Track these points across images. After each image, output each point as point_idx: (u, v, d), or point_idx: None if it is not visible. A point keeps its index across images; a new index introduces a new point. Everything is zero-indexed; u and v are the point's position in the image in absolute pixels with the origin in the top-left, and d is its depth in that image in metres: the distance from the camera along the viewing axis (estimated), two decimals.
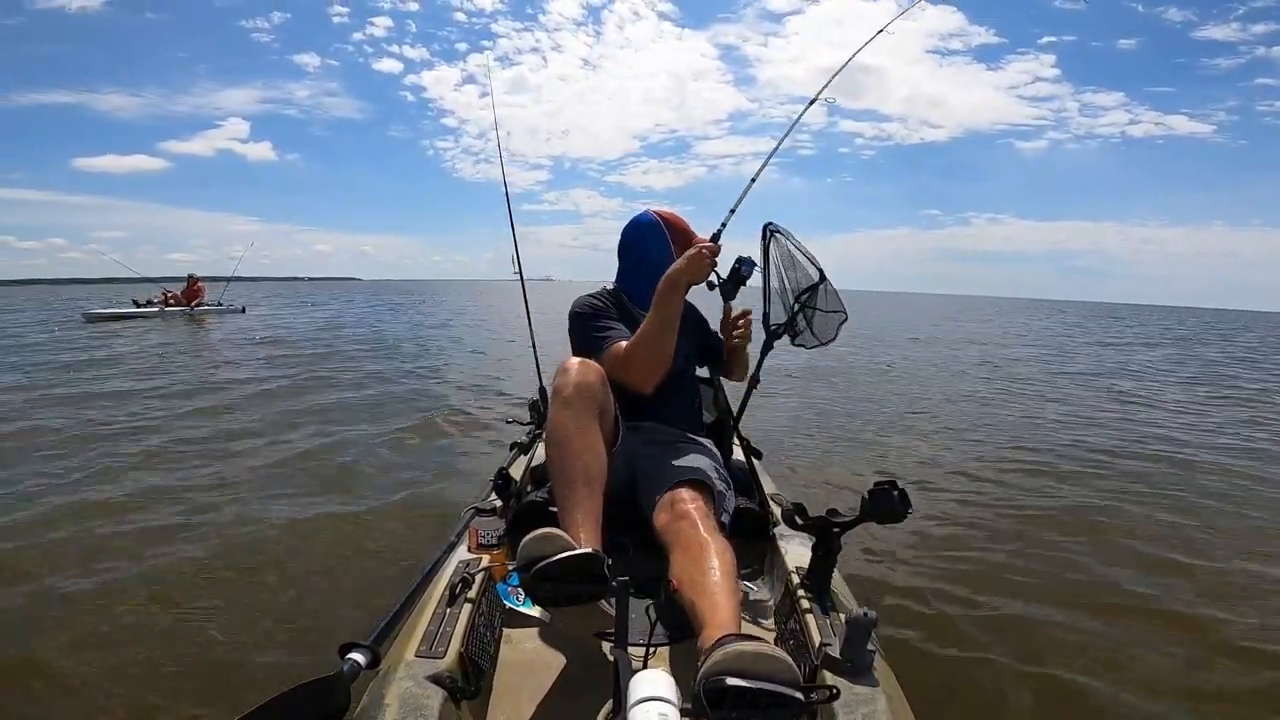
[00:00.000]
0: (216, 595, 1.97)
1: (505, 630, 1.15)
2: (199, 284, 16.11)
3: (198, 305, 15.53)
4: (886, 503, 1.00)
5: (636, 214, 1.60)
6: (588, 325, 1.46)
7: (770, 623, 1.19)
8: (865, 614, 0.88)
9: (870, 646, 0.89)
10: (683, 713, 0.72)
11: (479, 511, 1.36)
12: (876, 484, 1.02)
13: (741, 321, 1.59)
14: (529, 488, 1.59)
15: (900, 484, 1.01)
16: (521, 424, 2.18)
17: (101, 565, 2.15)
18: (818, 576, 1.10)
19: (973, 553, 2.37)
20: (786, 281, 1.54)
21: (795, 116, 1.84)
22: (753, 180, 1.62)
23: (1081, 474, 3.42)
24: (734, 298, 1.52)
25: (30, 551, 2.25)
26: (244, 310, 16.80)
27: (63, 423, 4.20)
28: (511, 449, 1.88)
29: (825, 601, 1.06)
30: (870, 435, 4.31)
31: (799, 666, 0.76)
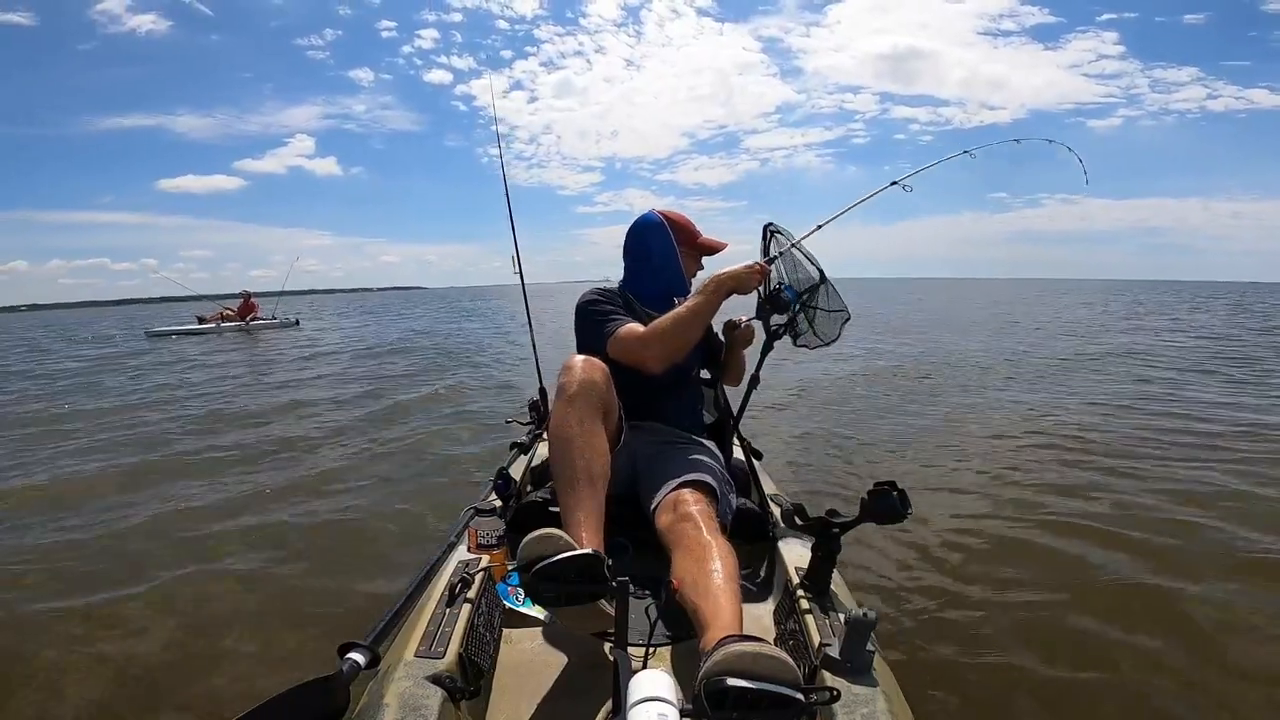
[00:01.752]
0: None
1: (505, 630, 1.15)
2: (253, 300, 16.95)
3: (253, 320, 16.26)
4: (886, 503, 1.00)
5: (642, 214, 1.60)
6: (598, 310, 1.46)
7: (770, 623, 1.19)
8: (865, 614, 0.88)
9: (870, 647, 0.88)
10: (682, 713, 0.72)
11: (479, 511, 1.36)
12: (876, 484, 1.02)
13: (743, 323, 1.62)
14: (529, 488, 1.59)
15: (899, 485, 1.01)
16: (521, 424, 2.18)
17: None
18: (818, 577, 1.10)
19: (974, 553, 2.37)
20: (788, 281, 1.53)
21: (864, 196, 1.89)
22: (818, 228, 1.65)
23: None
24: (768, 318, 1.53)
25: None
26: (298, 323, 17.50)
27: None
28: (512, 449, 1.88)
29: (825, 602, 1.06)
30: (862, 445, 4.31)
31: (799, 667, 0.76)
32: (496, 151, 2.22)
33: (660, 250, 1.55)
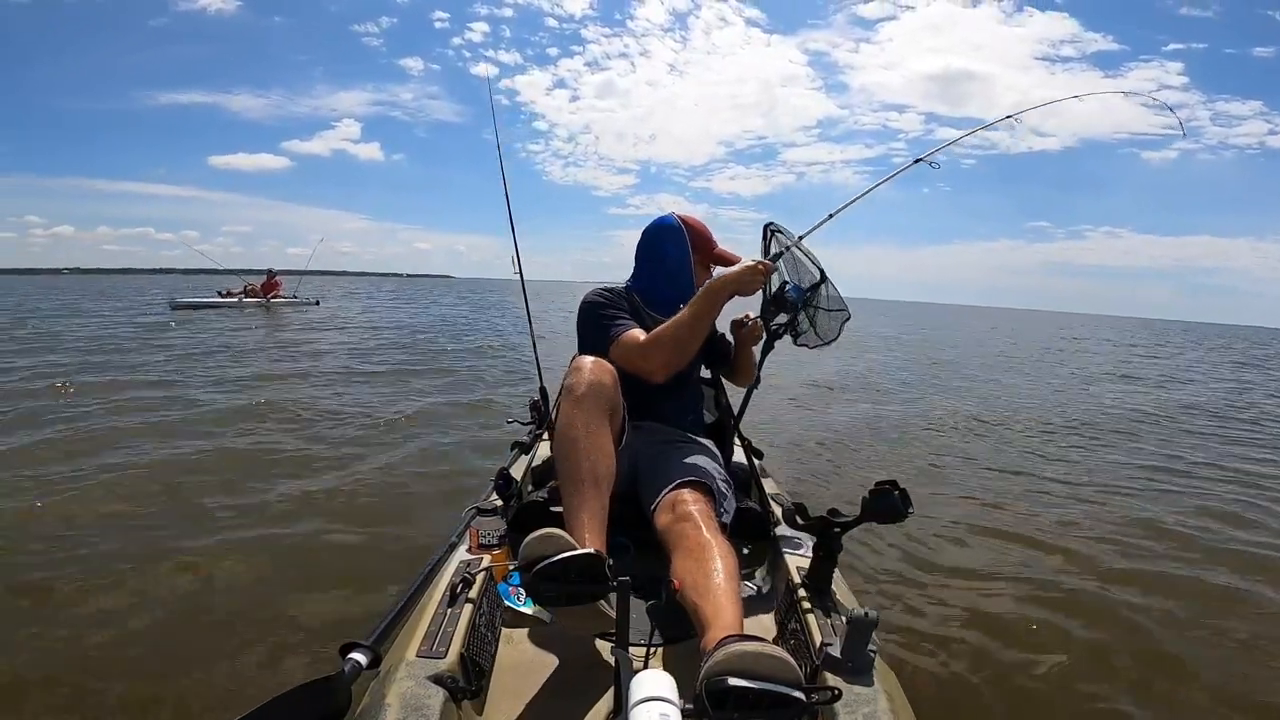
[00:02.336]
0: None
1: (506, 630, 1.15)
2: (276, 278, 17.31)
3: (274, 298, 16.67)
4: (887, 503, 1.00)
5: (659, 215, 1.60)
6: (601, 313, 1.46)
7: (771, 623, 1.19)
8: (866, 614, 0.88)
9: (871, 646, 0.88)
10: (683, 713, 0.71)
11: (480, 511, 1.36)
12: (877, 484, 1.02)
13: (749, 319, 1.59)
14: (530, 487, 1.59)
15: (900, 484, 1.01)
16: (522, 423, 2.18)
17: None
18: (818, 577, 1.09)
19: (975, 552, 2.37)
20: (789, 281, 1.53)
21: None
22: (830, 216, 1.63)
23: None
24: (772, 320, 1.50)
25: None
26: (318, 303, 17.96)
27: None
28: (512, 449, 1.88)
29: (826, 601, 1.06)
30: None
31: (800, 666, 0.76)
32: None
33: (676, 255, 1.54)
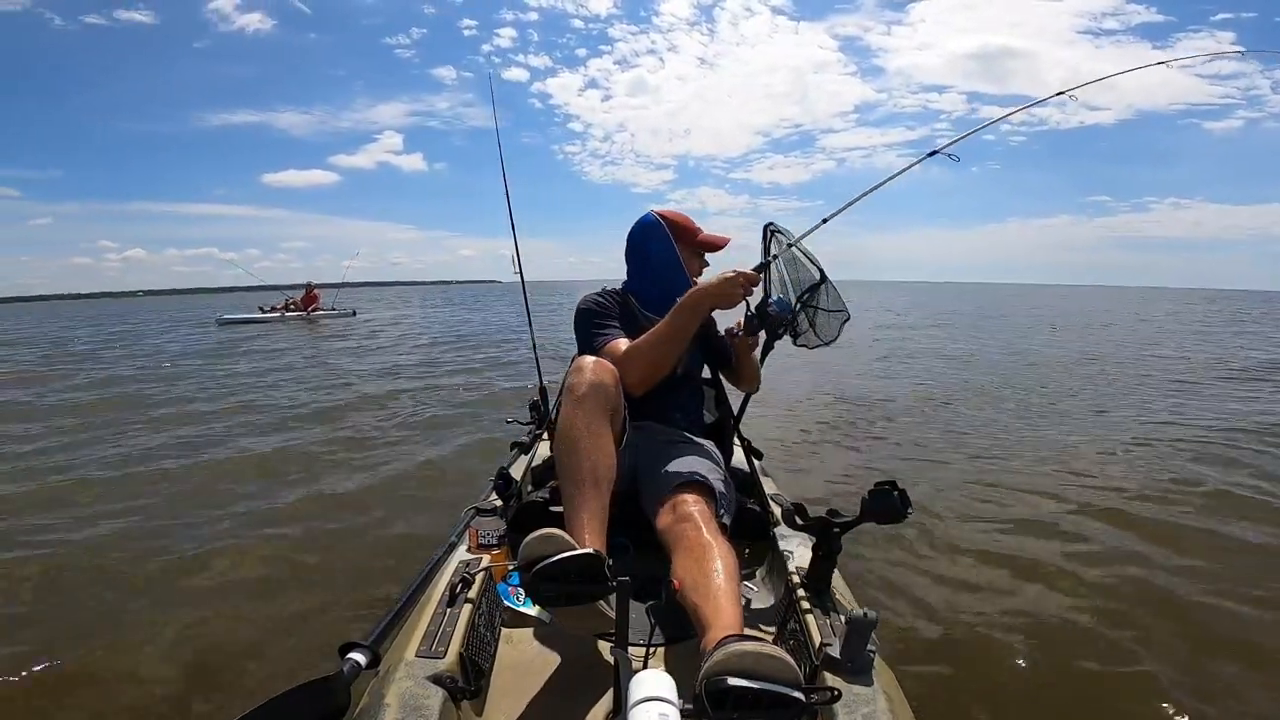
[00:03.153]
0: None
1: (505, 630, 1.15)
2: (315, 291, 18.26)
3: (314, 310, 17.56)
4: (886, 503, 1.00)
5: (640, 215, 1.60)
6: (589, 322, 1.46)
7: (771, 623, 1.19)
8: (865, 614, 0.88)
9: (870, 647, 0.88)
10: (683, 713, 0.72)
11: (479, 511, 1.36)
12: (877, 484, 1.02)
13: (738, 331, 1.54)
14: (529, 487, 1.59)
15: (900, 484, 1.01)
16: (522, 423, 2.18)
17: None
18: (818, 577, 1.09)
19: (975, 553, 2.37)
20: (789, 281, 1.53)
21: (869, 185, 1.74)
22: (824, 221, 1.58)
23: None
24: (754, 333, 1.48)
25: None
26: (354, 313, 18.78)
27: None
28: (512, 449, 1.88)
29: (825, 602, 1.06)
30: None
31: (799, 667, 0.76)
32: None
33: (659, 250, 1.54)
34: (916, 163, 1.72)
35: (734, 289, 1.33)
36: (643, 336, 1.36)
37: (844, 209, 1.63)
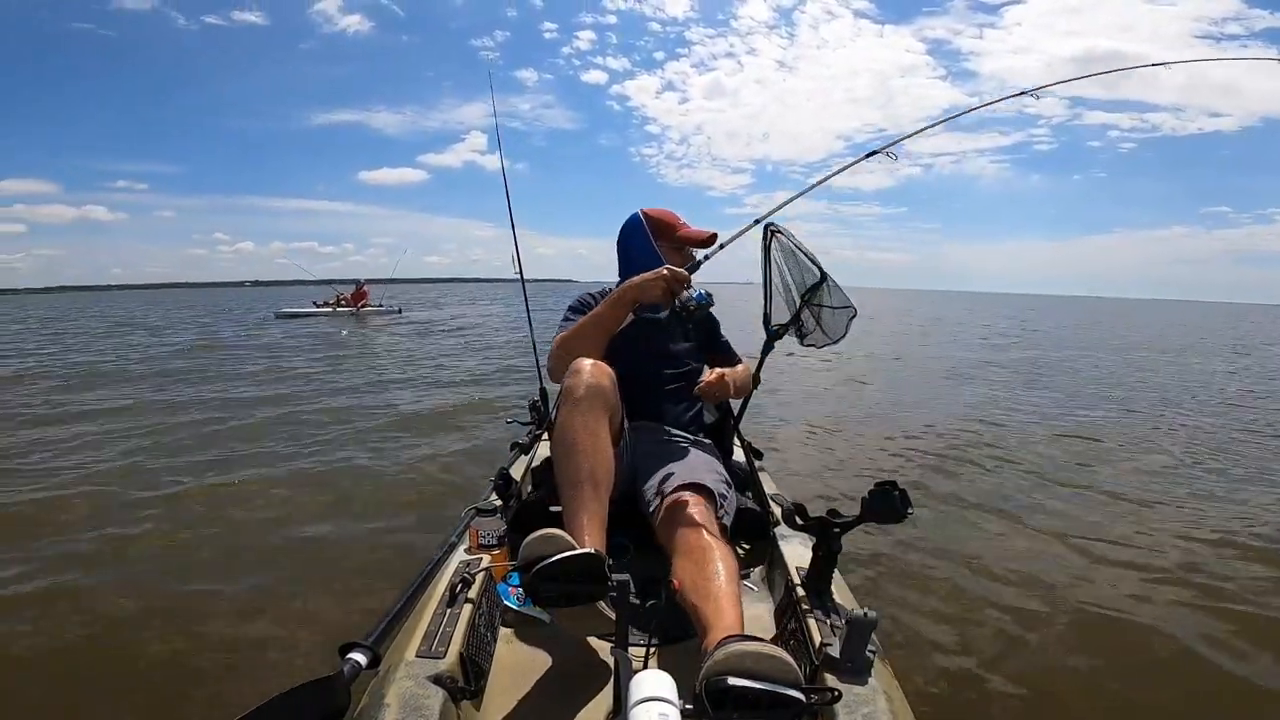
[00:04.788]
0: None
1: (505, 630, 1.15)
2: (365, 289, 19.17)
3: (363, 306, 18.38)
4: (886, 503, 1.00)
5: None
6: (567, 316, 1.51)
7: (770, 623, 1.19)
8: (866, 614, 0.88)
9: (870, 647, 0.88)
10: (683, 713, 0.72)
11: (479, 511, 1.36)
12: (877, 484, 1.02)
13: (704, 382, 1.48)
14: (529, 488, 1.59)
15: (900, 485, 1.01)
16: (522, 424, 2.18)
17: None
18: (818, 577, 1.09)
19: (975, 551, 2.37)
20: (790, 281, 1.53)
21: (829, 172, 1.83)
22: (756, 222, 1.61)
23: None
24: (678, 326, 1.47)
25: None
26: (400, 311, 19.04)
27: None
28: (512, 449, 1.88)
29: (825, 602, 1.06)
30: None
31: (799, 667, 0.76)
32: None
33: (638, 247, 1.55)
34: (855, 162, 1.84)
35: (655, 283, 1.36)
36: (575, 324, 1.41)
37: (781, 207, 1.67)
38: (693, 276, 1.44)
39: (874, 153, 1.75)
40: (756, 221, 1.61)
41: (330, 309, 17.68)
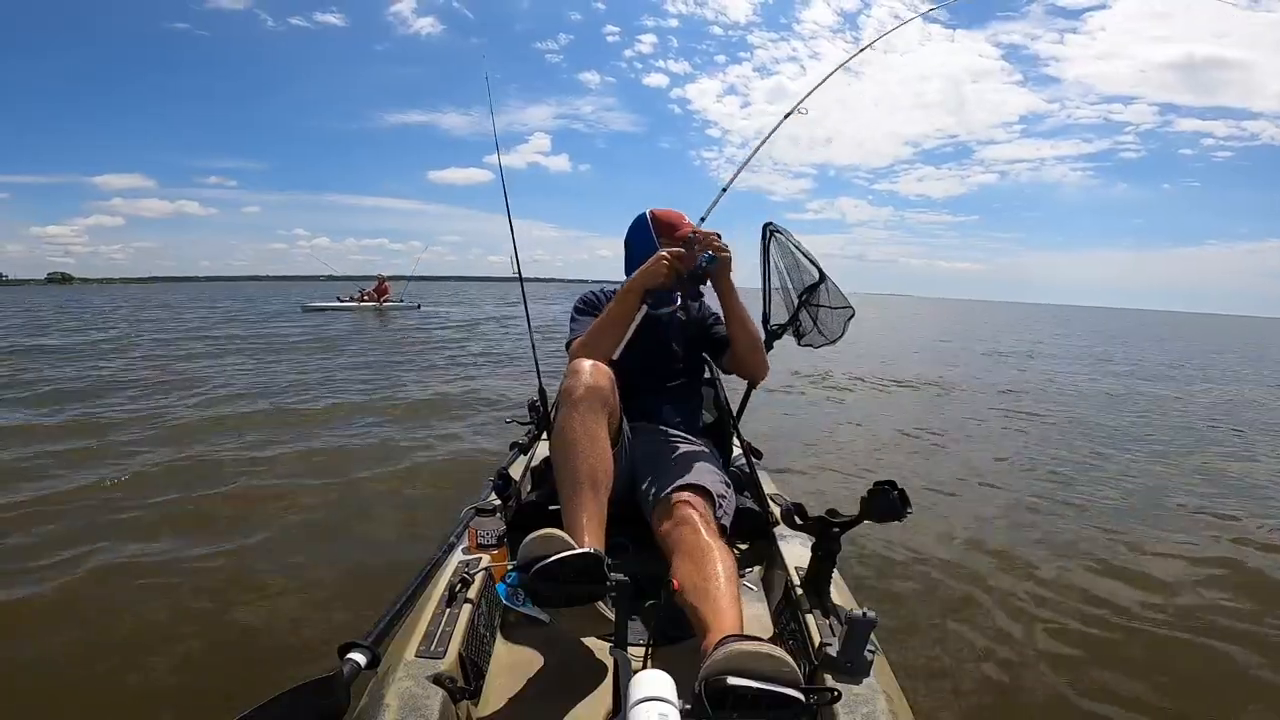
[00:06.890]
0: None
1: (505, 630, 1.15)
2: (385, 284, 19.86)
3: (385, 301, 19.07)
4: (885, 503, 1.00)
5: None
6: (575, 317, 1.52)
7: (770, 623, 1.19)
8: (865, 614, 0.88)
9: (870, 647, 0.88)
10: (683, 713, 0.71)
11: (478, 511, 1.36)
12: (876, 484, 1.02)
13: (700, 239, 1.42)
14: (528, 488, 1.59)
15: (899, 484, 1.01)
16: (521, 424, 2.18)
17: None
18: (817, 577, 1.09)
19: (974, 552, 2.37)
20: (790, 281, 1.53)
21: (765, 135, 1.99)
22: (723, 190, 1.72)
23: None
24: (698, 296, 1.50)
25: None
26: (418, 307, 19.89)
27: None
28: (511, 449, 1.88)
29: (825, 602, 1.06)
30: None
31: (799, 667, 0.76)
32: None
33: (640, 243, 1.55)
34: (777, 126, 2.01)
35: (659, 266, 1.37)
36: (587, 328, 1.42)
37: (716, 201, 1.78)
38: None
39: (789, 113, 1.92)
40: (724, 190, 1.76)
41: (355, 303, 18.33)
